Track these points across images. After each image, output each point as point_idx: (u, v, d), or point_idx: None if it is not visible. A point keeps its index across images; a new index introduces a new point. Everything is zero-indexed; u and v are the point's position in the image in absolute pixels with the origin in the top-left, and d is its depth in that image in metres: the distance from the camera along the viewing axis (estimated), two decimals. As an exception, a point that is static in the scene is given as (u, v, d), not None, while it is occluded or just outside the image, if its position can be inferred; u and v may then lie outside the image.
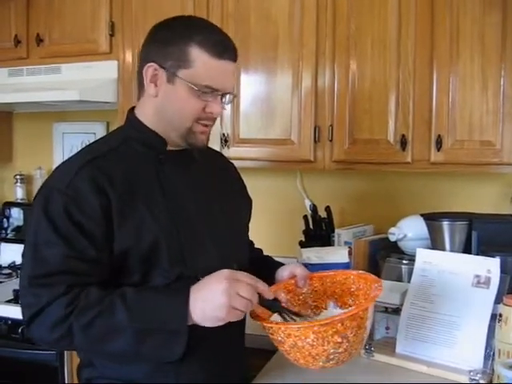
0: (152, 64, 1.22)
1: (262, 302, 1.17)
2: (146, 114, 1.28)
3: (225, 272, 1.11)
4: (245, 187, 1.53)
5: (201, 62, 1.19)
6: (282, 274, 1.37)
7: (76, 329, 1.10)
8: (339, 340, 1.11)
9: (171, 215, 1.23)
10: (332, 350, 1.12)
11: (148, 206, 1.20)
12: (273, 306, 1.20)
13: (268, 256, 1.60)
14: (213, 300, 1.08)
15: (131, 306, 1.10)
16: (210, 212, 1.31)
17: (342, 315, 1.13)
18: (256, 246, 1.63)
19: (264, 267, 1.43)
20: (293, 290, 1.34)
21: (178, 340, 1.10)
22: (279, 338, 1.14)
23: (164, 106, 1.24)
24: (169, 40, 1.22)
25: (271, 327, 1.15)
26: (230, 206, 1.37)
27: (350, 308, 1.27)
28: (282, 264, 1.44)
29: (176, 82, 1.21)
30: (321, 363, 1.15)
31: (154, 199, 1.22)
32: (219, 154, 1.57)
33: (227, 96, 1.27)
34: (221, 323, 1.11)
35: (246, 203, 1.51)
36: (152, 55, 1.23)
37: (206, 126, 1.25)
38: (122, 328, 1.10)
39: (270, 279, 1.31)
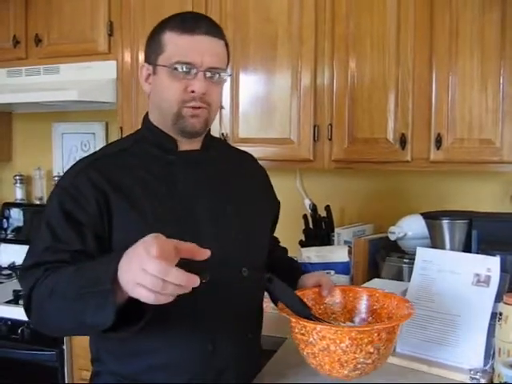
0: (143, 64, 1.28)
1: (292, 306, 1.15)
2: (151, 114, 1.31)
3: (147, 238, 0.91)
4: (272, 190, 1.51)
5: (171, 42, 1.21)
6: (307, 281, 1.37)
7: (34, 295, 1.10)
8: (371, 350, 1.09)
9: (175, 217, 1.22)
10: (362, 360, 1.10)
11: (152, 207, 1.20)
12: (303, 312, 1.16)
13: (292, 259, 1.59)
14: (130, 262, 0.91)
15: (75, 271, 1.04)
16: (223, 214, 1.28)
17: (381, 325, 1.12)
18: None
19: (287, 271, 1.42)
20: (315, 299, 1.32)
21: (108, 300, 0.94)
22: (310, 339, 1.11)
23: (155, 98, 1.27)
24: (150, 39, 1.27)
25: (305, 326, 1.11)
26: (248, 208, 1.34)
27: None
28: (306, 271, 1.45)
29: (158, 71, 1.23)
30: (346, 371, 1.12)
31: (159, 200, 1.22)
32: (248, 155, 1.51)
33: (219, 75, 1.23)
34: (143, 293, 0.88)
35: (272, 206, 1.50)
36: (144, 59, 1.29)
37: (195, 108, 1.22)
38: (62, 289, 1.04)
39: (291, 284, 1.31)
